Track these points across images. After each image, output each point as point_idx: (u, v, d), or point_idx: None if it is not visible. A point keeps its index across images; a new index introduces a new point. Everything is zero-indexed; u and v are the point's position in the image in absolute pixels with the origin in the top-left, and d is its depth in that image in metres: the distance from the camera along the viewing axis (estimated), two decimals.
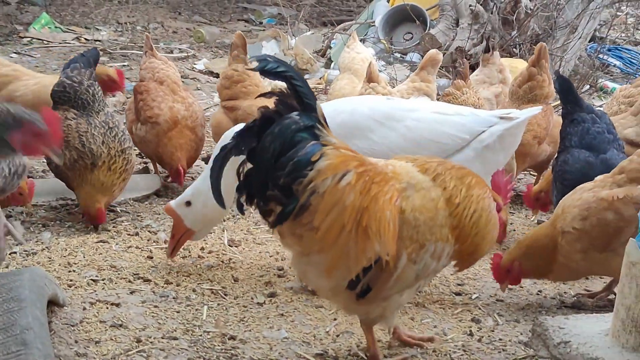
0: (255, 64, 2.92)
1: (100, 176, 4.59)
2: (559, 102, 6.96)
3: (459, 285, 4.23)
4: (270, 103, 2.93)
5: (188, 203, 4.04)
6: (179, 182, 5.32)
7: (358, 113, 3.83)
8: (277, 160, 2.82)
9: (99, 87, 4.86)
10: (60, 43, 9.93)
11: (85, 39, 10.20)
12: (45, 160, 5.22)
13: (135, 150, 5.30)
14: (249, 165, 2.88)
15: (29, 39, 9.98)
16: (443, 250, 3.03)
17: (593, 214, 3.70)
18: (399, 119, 3.85)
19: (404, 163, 3.10)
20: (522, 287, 4.22)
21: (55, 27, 10.59)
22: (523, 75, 5.67)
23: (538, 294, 4.15)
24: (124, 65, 9.06)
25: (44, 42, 9.91)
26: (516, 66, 7.47)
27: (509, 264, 3.86)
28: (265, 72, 2.93)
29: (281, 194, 2.84)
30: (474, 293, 4.13)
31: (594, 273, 4.11)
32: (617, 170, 3.83)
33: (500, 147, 3.89)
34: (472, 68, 8.40)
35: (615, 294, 3.90)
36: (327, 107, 3.34)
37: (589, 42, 9.99)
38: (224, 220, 4.91)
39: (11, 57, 9.06)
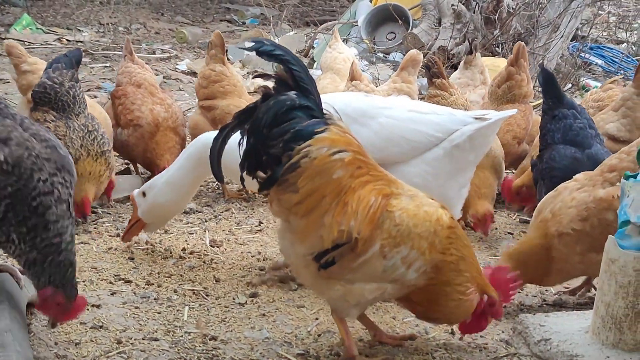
0: (250, 45, 2.98)
1: (86, 167, 4.57)
2: (539, 102, 7.01)
3: None
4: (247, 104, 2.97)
5: (143, 194, 4.16)
6: None
7: (331, 108, 3.81)
8: (270, 129, 2.91)
9: (80, 89, 4.83)
10: (41, 44, 9.89)
11: (67, 40, 10.16)
12: None
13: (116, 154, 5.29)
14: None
15: (10, 40, 9.93)
16: (415, 261, 3.04)
17: (593, 214, 3.60)
18: (372, 115, 3.84)
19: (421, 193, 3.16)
20: None
21: (37, 28, 10.54)
22: (502, 75, 5.67)
23: (519, 292, 4.16)
24: (105, 66, 9.02)
25: (26, 43, 9.85)
26: (499, 65, 7.47)
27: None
28: (261, 54, 2.99)
29: (273, 161, 2.94)
30: None
31: (588, 274, 3.99)
32: (607, 168, 3.72)
33: (470, 146, 3.86)
34: (455, 67, 8.44)
35: (595, 288, 3.92)
36: None
37: (571, 40, 10.03)
38: (206, 221, 4.90)
39: None
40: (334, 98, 3.93)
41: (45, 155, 2.95)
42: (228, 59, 9.69)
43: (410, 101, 4.19)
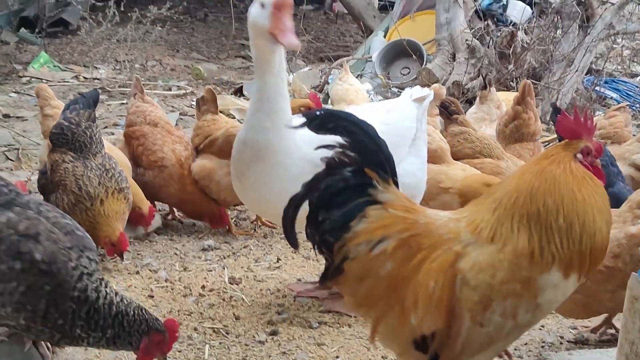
0: (301, 121, 2.69)
1: (112, 206, 4.57)
2: (552, 137, 7.01)
3: None
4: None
5: None
6: (225, 223, 5.43)
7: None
8: (317, 214, 2.63)
9: (97, 128, 4.86)
10: (59, 82, 9.96)
11: (84, 78, 10.25)
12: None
13: None
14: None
15: (28, 78, 10.01)
16: (518, 307, 2.54)
17: (625, 251, 3.53)
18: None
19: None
20: None
21: (54, 65, 10.63)
22: (509, 115, 5.67)
23: (540, 329, 4.13)
24: (122, 103, 9.09)
25: (43, 81, 9.92)
26: (513, 100, 7.50)
27: None
28: (314, 129, 2.68)
29: (325, 249, 2.66)
30: None
31: (617, 311, 3.85)
32: (636, 205, 3.66)
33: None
34: (469, 102, 8.46)
35: (614, 327, 3.89)
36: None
37: (586, 74, 10.04)
38: (225, 258, 4.90)
39: (10, 96, 9.10)
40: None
41: (69, 243, 2.97)
42: (243, 95, 9.81)
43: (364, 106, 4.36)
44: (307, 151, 3.60)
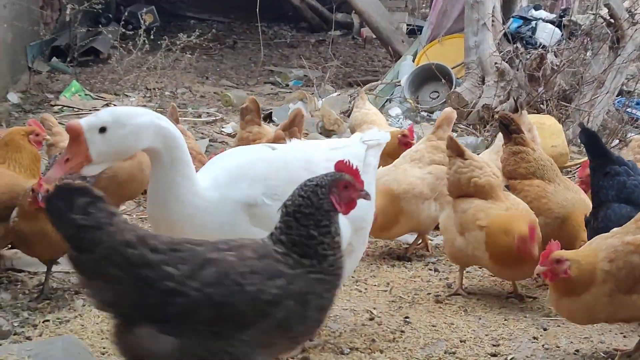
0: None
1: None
2: (582, 160, 6.95)
3: (494, 345, 4.17)
4: None
5: (103, 129, 3.32)
6: None
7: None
8: None
9: None
10: (90, 110, 10.05)
11: (115, 106, 10.33)
12: None
13: None
14: None
15: (60, 106, 10.12)
16: None
17: (620, 257, 3.77)
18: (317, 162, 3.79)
19: None
20: (558, 347, 4.16)
21: (85, 94, 10.73)
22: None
23: (575, 354, 4.08)
24: None
25: (75, 109, 10.04)
26: (544, 122, 7.45)
27: (561, 258, 3.80)
28: None
29: None
30: (510, 354, 4.07)
31: (618, 318, 3.96)
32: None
33: None
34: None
35: None
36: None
37: (617, 96, 9.96)
38: None
39: None
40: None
41: None
42: (272, 121, 9.85)
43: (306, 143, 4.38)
44: (229, 194, 3.55)
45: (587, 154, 4.88)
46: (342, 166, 3.01)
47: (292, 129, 5.63)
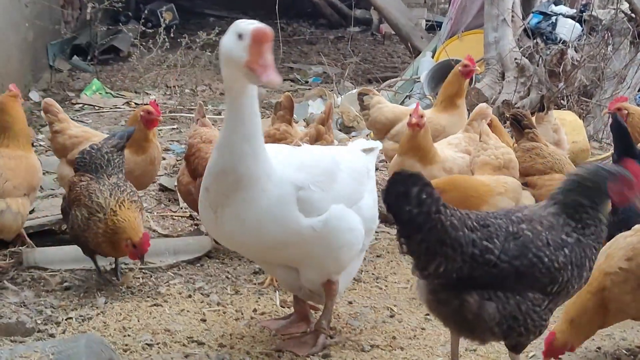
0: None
1: (127, 212, 4.62)
2: (605, 155, 6.90)
3: None
4: None
5: None
6: None
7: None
8: None
9: (120, 156, 5.02)
10: (111, 108, 10.11)
11: (135, 104, 10.35)
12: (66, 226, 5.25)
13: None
14: None
15: (81, 105, 10.17)
16: None
17: (638, 254, 3.76)
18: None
19: None
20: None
21: (106, 92, 10.78)
22: None
23: (597, 351, 4.07)
24: (173, 128, 9.19)
25: (96, 107, 10.09)
26: (564, 118, 7.41)
27: (562, 346, 3.78)
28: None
29: None
30: (531, 350, 4.06)
31: None
32: None
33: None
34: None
35: None
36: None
37: (638, 91, 9.90)
38: (277, 280, 4.90)
39: None
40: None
41: None
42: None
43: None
44: (285, 172, 3.69)
45: (614, 144, 4.88)
46: (634, 168, 3.43)
47: (329, 122, 5.63)
